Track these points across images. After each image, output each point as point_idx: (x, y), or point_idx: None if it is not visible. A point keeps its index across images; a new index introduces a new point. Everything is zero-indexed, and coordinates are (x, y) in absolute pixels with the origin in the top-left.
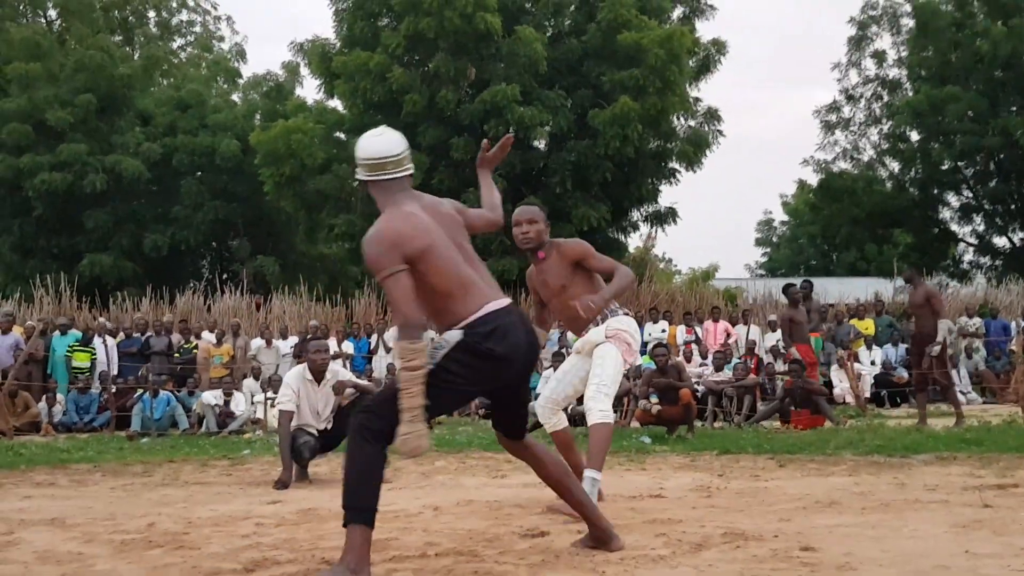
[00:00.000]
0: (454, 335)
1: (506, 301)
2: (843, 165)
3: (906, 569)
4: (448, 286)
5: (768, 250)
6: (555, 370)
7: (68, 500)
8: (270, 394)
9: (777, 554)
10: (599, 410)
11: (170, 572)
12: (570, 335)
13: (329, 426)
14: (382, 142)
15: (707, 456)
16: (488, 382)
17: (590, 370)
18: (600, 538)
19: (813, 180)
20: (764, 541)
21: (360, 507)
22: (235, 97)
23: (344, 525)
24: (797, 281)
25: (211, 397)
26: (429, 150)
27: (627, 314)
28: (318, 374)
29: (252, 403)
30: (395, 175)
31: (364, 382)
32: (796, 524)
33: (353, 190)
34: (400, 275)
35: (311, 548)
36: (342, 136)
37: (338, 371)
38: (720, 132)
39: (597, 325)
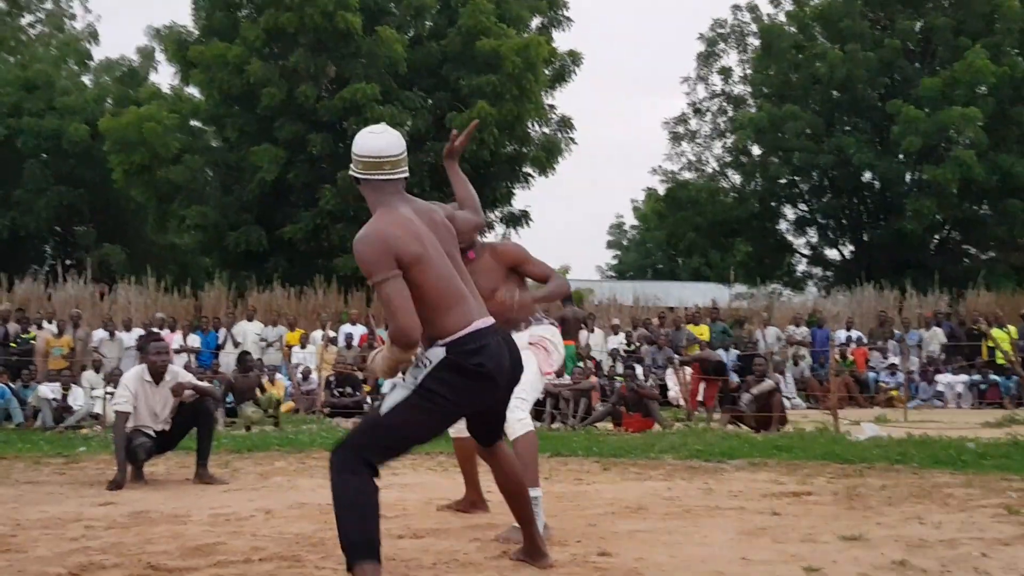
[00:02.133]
0: (437, 353)
1: (491, 320)
2: (688, 175)
3: (686, 574)
4: (438, 297)
5: (619, 253)
6: None
7: None
8: (110, 388)
9: (575, 559)
10: (518, 420)
11: None
12: None
13: (167, 427)
14: (381, 140)
15: (539, 458)
16: (472, 402)
17: None
18: (532, 553)
19: (661, 188)
20: (567, 546)
21: (359, 543)
22: (86, 80)
23: (348, 569)
24: (646, 284)
25: (48, 390)
26: (286, 144)
27: (552, 323)
28: (157, 375)
29: (91, 397)
30: (391, 176)
31: (204, 384)
32: (600, 529)
33: (208, 180)
34: (395, 281)
35: (139, 552)
36: (199, 124)
37: (178, 372)
38: (572, 140)
39: (520, 331)
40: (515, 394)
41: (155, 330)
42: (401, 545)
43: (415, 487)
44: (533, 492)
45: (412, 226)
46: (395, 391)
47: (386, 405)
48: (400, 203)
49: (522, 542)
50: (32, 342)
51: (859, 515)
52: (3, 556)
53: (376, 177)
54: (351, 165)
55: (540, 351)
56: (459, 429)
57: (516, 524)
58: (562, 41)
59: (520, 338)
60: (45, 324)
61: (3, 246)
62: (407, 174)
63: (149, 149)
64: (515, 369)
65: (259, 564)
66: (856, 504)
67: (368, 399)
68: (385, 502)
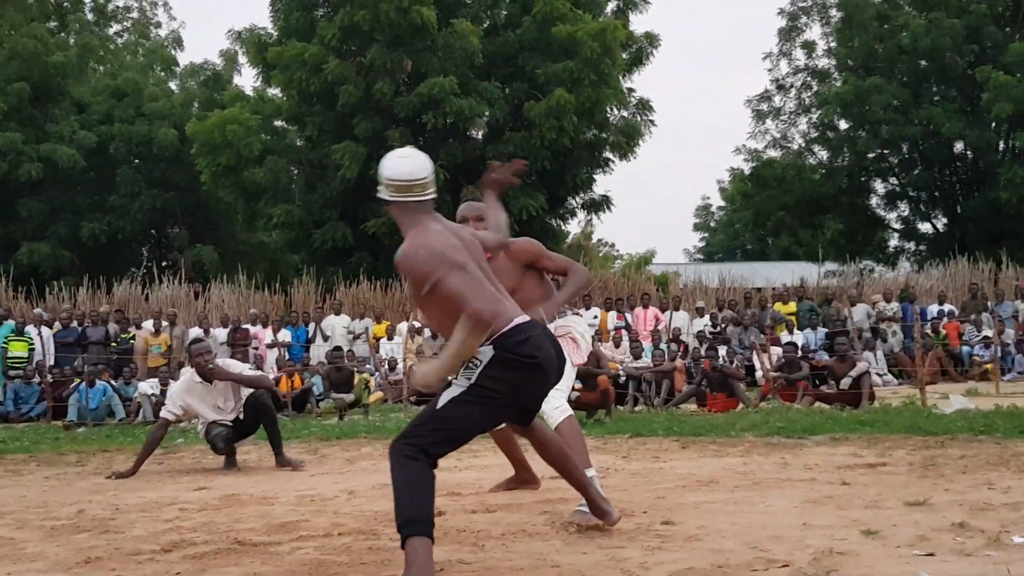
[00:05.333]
0: (486, 352)
1: (528, 317)
2: (774, 153)
3: (744, 539)
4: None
5: (706, 235)
6: None
7: (2, 489)
8: None
9: (639, 527)
10: (555, 408)
11: (94, 553)
12: None
13: (241, 415)
14: (409, 165)
15: (619, 439)
16: (526, 393)
17: None
18: (599, 514)
19: (746, 168)
20: (632, 516)
21: (413, 519)
22: (172, 85)
23: (402, 545)
24: (733, 266)
25: (148, 387)
26: (365, 141)
27: (576, 313)
28: (205, 375)
29: None
30: (420, 198)
31: (249, 375)
32: (668, 501)
33: (292, 179)
34: (454, 273)
35: (227, 530)
36: (281, 124)
37: (229, 364)
38: (652, 122)
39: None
40: None
41: (201, 335)
42: (473, 518)
43: (494, 468)
44: (588, 472)
45: (448, 239)
46: (450, 388)
47: (442, 399)
48: (431, 221)
49: (587, 519)
50: (132, 342)
51: (929, 483)
52: (102, 536)
53: (406, 199)
54: (379, 188)
55: (568, 342)
56: None
57: (579, 507)
58: (639, 23)
59: None
60: (144, 324)
61: (101, 250)
62: (435, 194)
63: (234, 151)
64: (560, 358)
65: (338, 538)
66: (929, 473)
67: None
68: (463, 482)
